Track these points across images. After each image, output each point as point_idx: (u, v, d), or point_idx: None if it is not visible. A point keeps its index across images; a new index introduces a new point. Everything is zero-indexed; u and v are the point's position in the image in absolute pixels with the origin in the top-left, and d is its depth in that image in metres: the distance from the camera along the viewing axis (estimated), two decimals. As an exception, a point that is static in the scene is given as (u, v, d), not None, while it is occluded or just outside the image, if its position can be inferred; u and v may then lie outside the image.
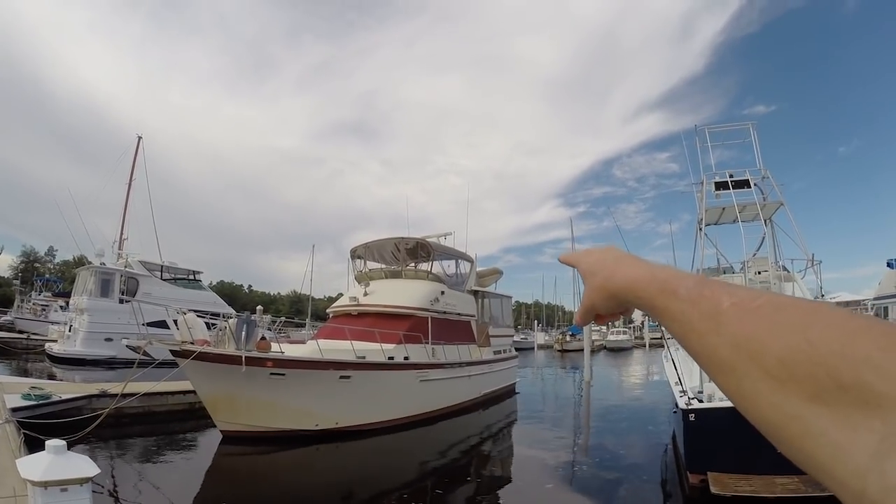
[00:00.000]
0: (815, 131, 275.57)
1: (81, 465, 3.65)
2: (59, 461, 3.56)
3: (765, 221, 15.52)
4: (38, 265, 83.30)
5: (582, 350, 44.21)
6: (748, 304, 0.51)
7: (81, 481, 3.57)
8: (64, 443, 3.69)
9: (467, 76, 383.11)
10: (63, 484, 3.48)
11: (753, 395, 0.47)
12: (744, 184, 15.89)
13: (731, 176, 16.16)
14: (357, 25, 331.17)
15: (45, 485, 3.43)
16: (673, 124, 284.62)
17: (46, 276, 70.55)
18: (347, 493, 10.56)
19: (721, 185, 16.18)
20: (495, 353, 23.42)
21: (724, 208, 16.32)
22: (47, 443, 3.68)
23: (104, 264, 30.94)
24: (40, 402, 12.58)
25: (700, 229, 16.56)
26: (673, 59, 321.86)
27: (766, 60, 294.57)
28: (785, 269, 15.29)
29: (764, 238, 15.85)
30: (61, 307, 43.30)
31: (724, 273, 16.82)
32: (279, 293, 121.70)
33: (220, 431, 13.09)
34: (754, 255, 15.68)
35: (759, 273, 14.16)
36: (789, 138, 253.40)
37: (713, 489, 8.59)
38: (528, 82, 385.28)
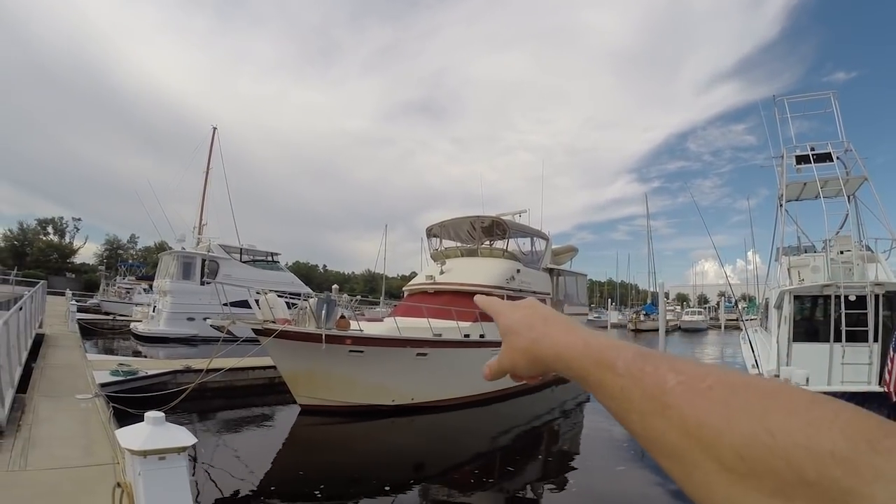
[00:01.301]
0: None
1: (179, 434, 3.61)
2: (157, 431, 3.53)
3: (848, 198, 14.76)
4: (121, 252, 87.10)
5: (655, 330, 43.25)
6: (697, 384, 0.46)
7: (179, 450, 3.52)
8: (162, 414, 3.66)
9: (532, 51, 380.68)
10: (162, 453, 3.43)
11: (706, 486, 0.43)
12: (826, 157, 15.15)
13: (812, 149, 15.41)
14: (420, 5, 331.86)
15: (145, 454, 3.38)
16: (749, 94, 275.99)
17: (130, 262, 73.74)
18: (419, 464, 10.63)
19: (802, 159, 15.46)
20: (570, 331, 22.96)
21: (805, 183, 15.57)
22: (146, 414, 3.66)
23: (185, 249, 31.89)
24: (128, 377, 12.99)
25: (780, 205, 15.84)
26: (745, 25, 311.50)
27: (845, 23, 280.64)
28: (869, 248, 14.49)
29: (847, 215, 15.04)
30: (144, 290, 44.93)
31: (806, 252, 16.02)
32: (353, 272, 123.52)
33: (299, 405, 13.30)
34: (837, 233, 14.90)
35: (842, 252, 13.42)
36: (872, 107, 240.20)
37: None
38: (596, 55, 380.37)
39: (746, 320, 20.69)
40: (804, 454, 0.37)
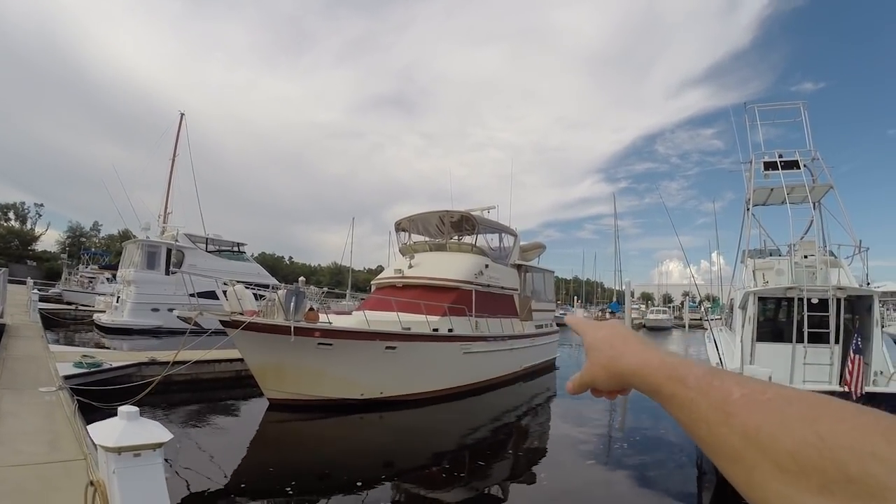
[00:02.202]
0: (865, 111, 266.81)
1: (154, 430, 3.54)
2: (132, 427, 3.46)
3: (813, 204, 15.09)
4: (83, 240, 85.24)
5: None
6: (758, 396, 0.53)
7: (154, 446, 3.47)
8: (136, 408, 3.58)
9: (507, 48, 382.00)
10: (137, 449, 3.38)
11: (762, 486, 0.49)
12: (793, 164, 15.44)
13: (780, 156, 15.69)
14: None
15: (119, 450, 3.33)
16: (718, 99, 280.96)
17: (93, 250, 72.19)
18: (389, 461, 10.61)
19: (770, 165, 15.73)
20: (537, 327, 23.21)
21: (772, 189, 15.85)
22: (120, 409, 3.58)
23: (149, 237, 31.35)
24: (91, 369, 12.75)
25: (747, 209, 16.17)
26: (718, 32, 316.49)
27: (815, 35, 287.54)
28: (832, 254, 14.84)
29: (812, 221, 15.39)
30: (108, 279, 44.13)
31: (771, 255, 16.37)
32: (319, 265, 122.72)
33: (268, 399, 13.23)
34: (802, 238, 15.24)
35: (806, 257, 13.73)
36: (838, 117, 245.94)
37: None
38: (569, 55, 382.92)
39: (710, 320, 21.08)
40: (848, 455, 0.43)
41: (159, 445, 3.47)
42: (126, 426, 3.44)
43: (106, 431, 3.43)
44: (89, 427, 3.72)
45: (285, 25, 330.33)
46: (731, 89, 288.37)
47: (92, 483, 3.56)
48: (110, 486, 3.37)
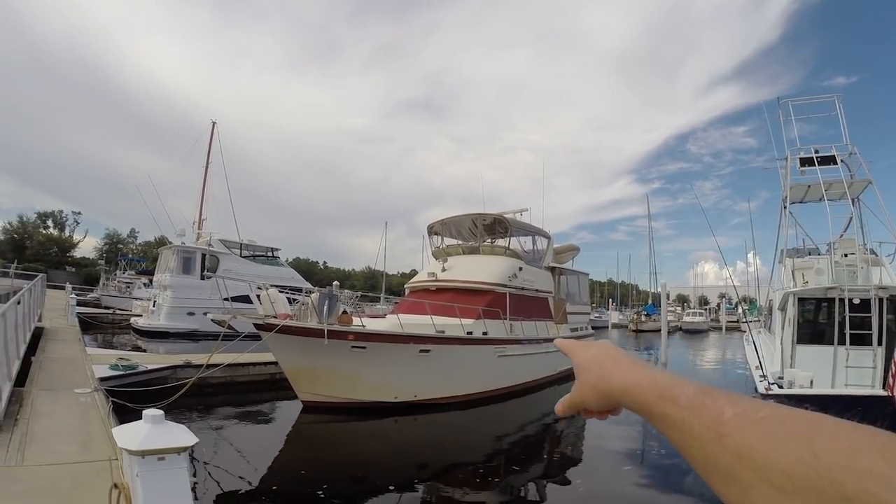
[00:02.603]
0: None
1: (179, 433, 3.43)
2: (156, 430, 3.35)
3: (852, 201, 14.73)
4: (121, 246, 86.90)
5: (656, 330, 42.90)
6: (752, 415, 0.52)
7: (179, 450, 3.35)
8: (161, 412, 3.47)
9: (534, 51, 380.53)
10: (161, 453, 3.27)
11: None
12: (830, 160, 15.07)
13: (816, 152, 15.27)
14: (419, 4, 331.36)
15: (143, 454, 3.21)
16: (749, 97, 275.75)
17: (130, 256, 73.56)
18: (424, 463, 10.51)
19: (806, 161, 15.36)
20: (572, 329, 22.91)
21: (809, 186, 15.47)
22: (144, 412, 3.48)
23: (185, 243, 31.76)
24: (127, 371, 12.85)
25: (784, 207, 15.76)
26: (746, 28, 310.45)
27: (845, 28, 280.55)
28: (873, 252, 14.36)
29: (851, 218, 14.98)
30: (144, 284, 44.79)
31: (810, 254, 15.94)
32: (353, 269, 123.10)
33: (301, 402, 13.18)
34: (841, 236, 14.85)
35: (846, 256, 13.29)
36: (873, 112, 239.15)
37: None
38: (597, 56, 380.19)
39: (749, 322, 20.59)
40: (845, 473, 0.42)
41: (184, 449, 3.35)
42: (151, 429, 3.33)
43: (130, 434, 3.33)
44: (114, 430, 3.62)
45: (313, 34, 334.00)
46: (761, 86, 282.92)
47: (116, 486, 3.45)
48: (134, 490, 3.26)
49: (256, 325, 12.35)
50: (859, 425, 0.46)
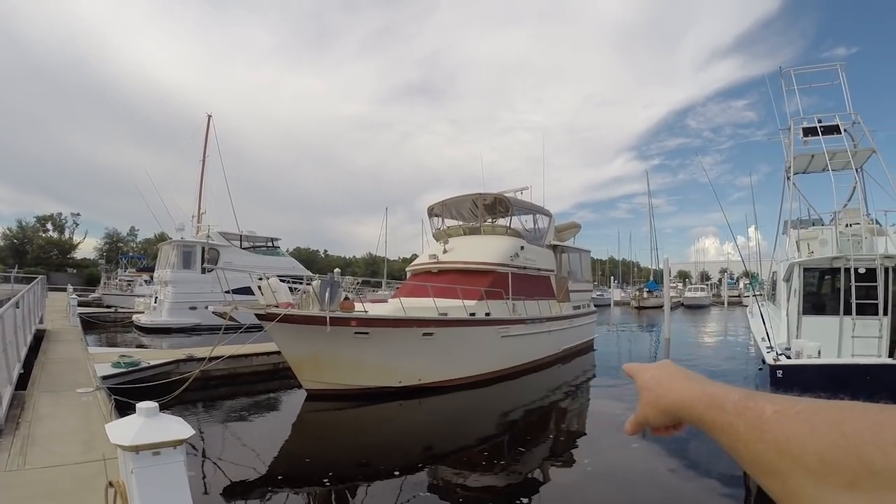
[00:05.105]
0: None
1: (174, 426, 3.33)
2: (150, 423, 3.25)
3: (856, 170, 14.62)
4: (121, 245, 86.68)
5: (658, 307, 42.82)
6: (789, 410, 0.55)
7: (175, 444, 3.25)
8: (155, 405, 3.38)
9: (531, 29, 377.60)
10: (155, 447, 3.17)
11: (798, 492, 0.51)
12: (833, 129, 14.95)
13: (819, 121, 15.13)
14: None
15: (137, 449, 3.12)
16: (749, 70, 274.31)
17: (130, 254, 73.46)
18: (429, 446, 10.51)
19: (809, 131, 15.24)
20: (574, 308, 22.79)
21: (812, 156, 15.32)
22: (138, 405, 3.39)
23: (184, 238, 31.61)
24: (129, 368, 12.80)
25: (788, 178, 15.62)
26: (745, 0, 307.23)
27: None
28: (877, 222, 14.25)
29: (855, 188, 14.89)
30: (146, 281, 44.70)
31: (814, 225, 15.80)
32: (354, 256, 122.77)
33: (305, 390, 13.13)
34: (845, 205, 14.72)
35: (850, 226, 13.20)
36: (874, 83, 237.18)
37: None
38: (595, 31, 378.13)
39: (754, 295, 20.53)
40: (872, 448, 0.46)
41: (180, 442, 3.25)
42: (144, 423, 3.23)
43: (123, 429, 3.24)
44: (107, 426, 3.51)
45: (306, 23, 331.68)
46: (761, 58, 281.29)
47: (111, 484, 3.36)
48: (129, 486, 3.17)
49: (258, 315, 12.28)
50: (887, 406, 0.49)
